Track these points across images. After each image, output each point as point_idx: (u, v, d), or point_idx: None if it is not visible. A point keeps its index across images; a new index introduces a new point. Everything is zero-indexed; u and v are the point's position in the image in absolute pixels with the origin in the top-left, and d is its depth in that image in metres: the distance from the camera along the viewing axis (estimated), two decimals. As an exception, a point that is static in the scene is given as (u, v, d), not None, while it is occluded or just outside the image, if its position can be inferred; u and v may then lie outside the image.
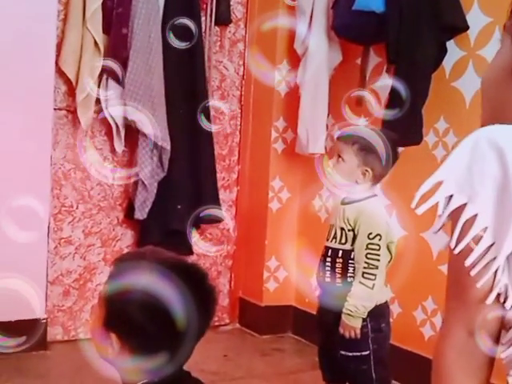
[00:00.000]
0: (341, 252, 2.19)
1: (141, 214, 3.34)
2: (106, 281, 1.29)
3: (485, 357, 0.89)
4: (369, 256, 2.12)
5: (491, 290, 0.86)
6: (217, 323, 3.74)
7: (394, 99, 2.89)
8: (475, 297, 0.87)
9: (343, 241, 2.19)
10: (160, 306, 1.16)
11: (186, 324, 1.19)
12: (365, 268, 2.12)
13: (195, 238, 3.67)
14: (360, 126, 2.63)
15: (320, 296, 2.32)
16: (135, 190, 3.36)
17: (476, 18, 2.71)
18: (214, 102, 3.14)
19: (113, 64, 3.01)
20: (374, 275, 2.11)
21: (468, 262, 0.86)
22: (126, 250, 3.46)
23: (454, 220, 0.89)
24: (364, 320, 2.15)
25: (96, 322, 1.27)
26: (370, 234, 2.12)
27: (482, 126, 0.96)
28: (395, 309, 3.05)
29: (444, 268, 2.79)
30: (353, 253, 2.17)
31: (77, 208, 3.38)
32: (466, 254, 0.87)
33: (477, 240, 0.86)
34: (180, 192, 3.45)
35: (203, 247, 3.68)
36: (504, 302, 0.87)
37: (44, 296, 3.21)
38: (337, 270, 2.19)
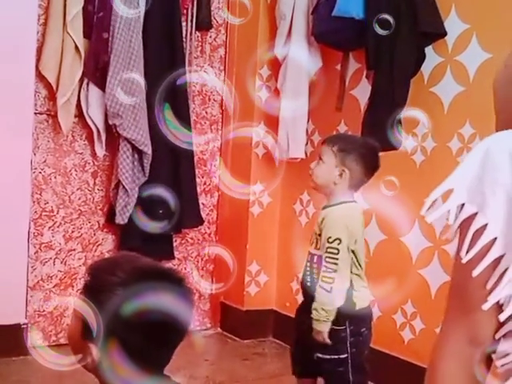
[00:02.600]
0: (316, 257, 2.21)
1: (122, 218, 3.34)
2: (81, 290, 1.28)
3: (482, 366, 0.88)
4: (327, 259, 2.13)
5: (498, 302, 0.84)
6: (198, 328, 3.75)
7: (374, 104, 2.93)
8: (479, 306, 0.85)
9: (318, 246, 2.21)
10: (138, 316, 1.16)
11: (166, 330, 1.19)
12: (323, 271, 2.13)
13: (196, 276, 3.72)
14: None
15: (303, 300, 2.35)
16: (116, 194, 3.36)
17: (454, 25, 2.74)
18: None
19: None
20: (332, 278, 2.12)
21: (475, 273, 0.84)
22: (107, 255, 3.45)
23: (464, 229, 0.86)
24: (343, 324, 2.17)
25: (73, 332, 1.26)
26: (330, 237, 2.13)
27: (497, 128, 0.94)
28: (375, 312, 3.06)
29: (423, 272, 2.83)
30: None
31: (57, 213, 3.37)
32: (473, 264, 0.85)
33: (486, 250, 0.84)
34: (161, 197, 3.45)
35: (204, 285, 3.73)
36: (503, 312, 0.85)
37: (24, 301, 3.20)
38: (314, 275, 2.21)
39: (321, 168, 2.22)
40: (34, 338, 1.25)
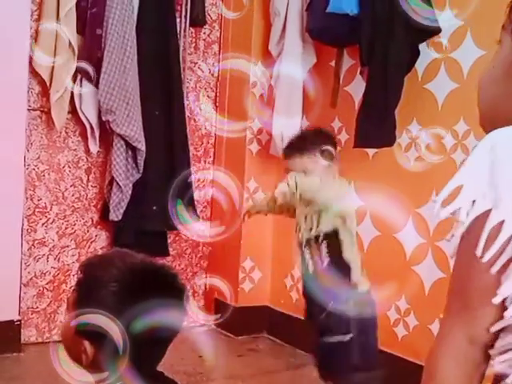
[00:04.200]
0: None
1: (115, 215, 3.33)
2: (74, 287, 1.28)
3: (481, 366, 0.88)
4: None
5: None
6: (192, 324, 3.74)
7: (368, 101, 2.93)
8: (480, 304, 0.84)
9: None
10: (131, 314, 1.16)
11: (159, 328, 1.19)
12: None
13: (194, 309, 3.74)
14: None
15: None
16: (110, 190, 3.35)
17: (448, 21, 2.74)
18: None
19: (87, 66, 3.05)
20: None
21: (494, 270, 0.82)
22: (100, 252, 3.45)
23: (475, 226, 0.84)
24: None
25: (67, 329, 1.26)
26: None
27: (483, 126, 0.94)
28: (369, 309, 3.07)
29: (416, 268, 2.83)
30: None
31: (51, 209, 3.36)
32: (479, 261, 0.83)
33: (503, 248, 0.82)
34: (155, 193, 3.45)
35: (202, 317, 3.74)
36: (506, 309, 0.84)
37: (18, 298, 3.19)
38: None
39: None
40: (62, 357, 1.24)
